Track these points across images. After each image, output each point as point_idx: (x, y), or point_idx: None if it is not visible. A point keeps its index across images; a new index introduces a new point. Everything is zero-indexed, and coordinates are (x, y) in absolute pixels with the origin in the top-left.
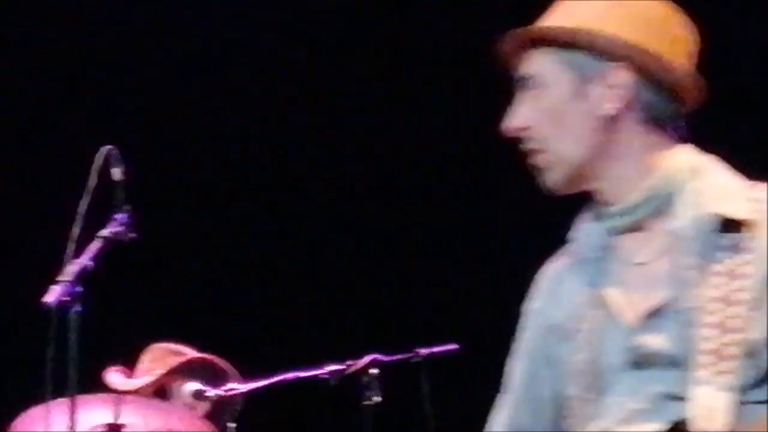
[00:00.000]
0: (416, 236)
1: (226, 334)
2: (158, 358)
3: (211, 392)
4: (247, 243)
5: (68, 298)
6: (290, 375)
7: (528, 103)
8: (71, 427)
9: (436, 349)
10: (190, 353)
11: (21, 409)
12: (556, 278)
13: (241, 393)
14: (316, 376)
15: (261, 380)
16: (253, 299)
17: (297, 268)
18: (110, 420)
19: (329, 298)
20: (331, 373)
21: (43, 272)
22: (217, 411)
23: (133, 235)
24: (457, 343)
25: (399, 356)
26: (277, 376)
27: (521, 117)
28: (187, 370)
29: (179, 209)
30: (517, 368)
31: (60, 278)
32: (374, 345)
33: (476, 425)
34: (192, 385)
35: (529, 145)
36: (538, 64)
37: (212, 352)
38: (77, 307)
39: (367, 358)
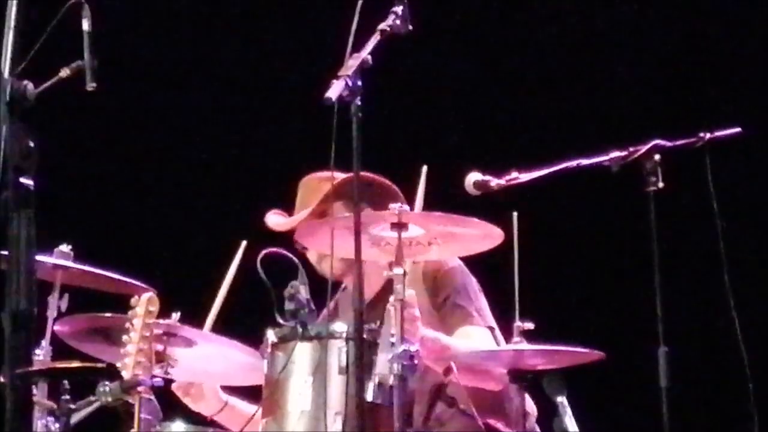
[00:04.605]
0: None
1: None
2: (312, 189)
3: (494, 182)
4: None
5: (348, 93)
6: (572, 163)
7: None
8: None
9: (719, 133)
10: (341, 176)
11: None
12: None
13: (522, 182)
14: (598, 163)
15: (544, 168)
16: None
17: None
18: (394, 234)
19: (608, 84)
20: (613, 159)
21: (323, 68)
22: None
23: (410, 27)
24: (741, 127)
25: (681, 141)
26: (559, 164)
27: None
28: (342, 192)
29: None
30: None
31: (341, 73)
32: (656, 130)
33: (763, 210)
34: (474, 176)
35: None
36: None
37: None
38: (357, 101)
39: (649, 144)
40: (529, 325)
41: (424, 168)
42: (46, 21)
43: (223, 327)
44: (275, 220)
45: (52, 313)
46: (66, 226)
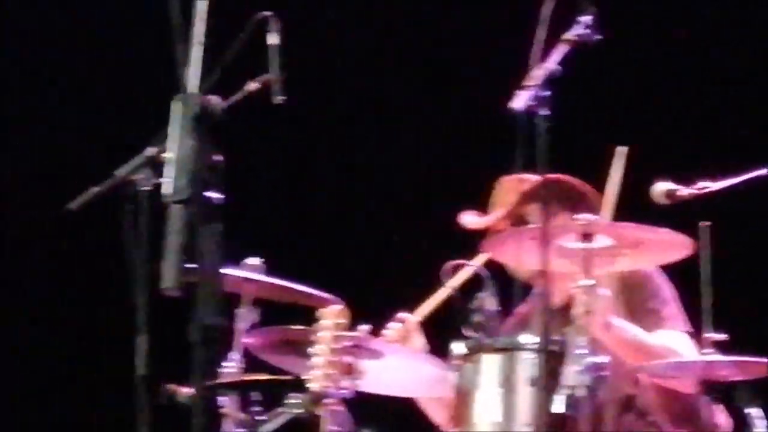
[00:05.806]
0: None
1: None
2: (507, 190)
3: (684, 191)
4: None
5: (535, 103)
6: (763, 171)
7: None
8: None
9: None
10: (536, 178)
11: None
12: None
13: (712, 191)
14: None
15: (732, 178)
16: None
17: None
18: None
19: None
20: None
21: (508, 78)
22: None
23: (598, 37)
24: None
25: None
26: (746, 174)
27: None
28: (538, 194)
29: None
30: None
31: (526, 83)
32: None
33: None
34: (663, 185)
35: None
36: None
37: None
38: (544, 112)
39: None
40: (721, 336)
41: (622, 149)
42: (233, 35)
43: None
44: (470, 219)
45: (243, 326)
46: (258, 239)
